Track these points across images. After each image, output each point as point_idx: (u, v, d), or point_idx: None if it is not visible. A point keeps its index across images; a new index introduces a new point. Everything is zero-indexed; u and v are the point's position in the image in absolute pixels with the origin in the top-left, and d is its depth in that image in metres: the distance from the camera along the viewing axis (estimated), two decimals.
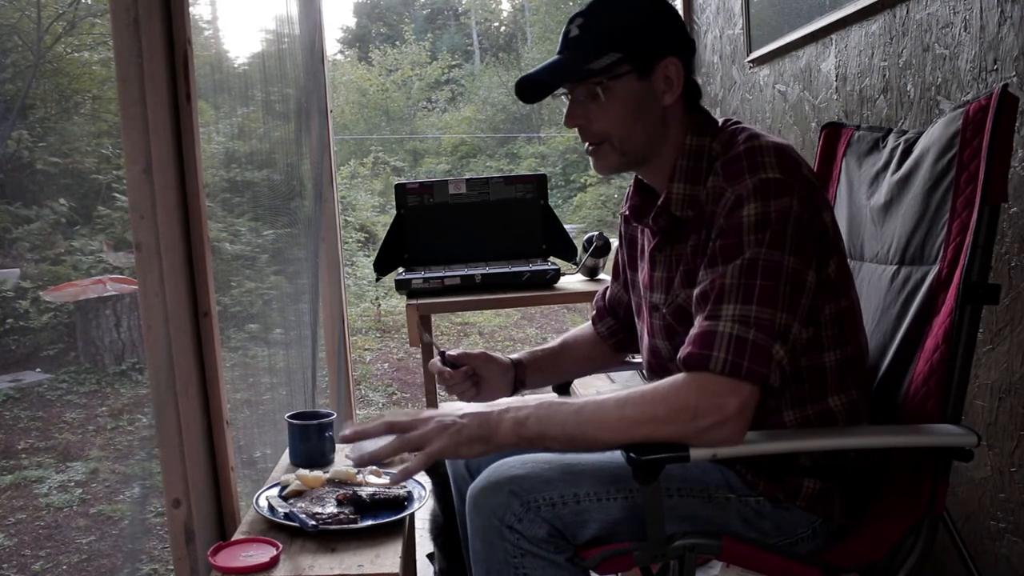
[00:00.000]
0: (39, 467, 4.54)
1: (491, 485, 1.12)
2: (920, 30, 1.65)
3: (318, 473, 1.57)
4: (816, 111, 2.12)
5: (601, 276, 2.42)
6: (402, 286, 2.26)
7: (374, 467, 1.63)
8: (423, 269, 2.37)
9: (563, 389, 1.67)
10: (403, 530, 1.43)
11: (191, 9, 1.48)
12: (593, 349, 1.56)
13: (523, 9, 18.75)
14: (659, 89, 1.20)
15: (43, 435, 5.02)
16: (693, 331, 1.08)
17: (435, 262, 2.45)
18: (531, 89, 1.25)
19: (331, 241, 2.76)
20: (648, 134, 1.21)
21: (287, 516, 1.42)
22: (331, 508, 1.44)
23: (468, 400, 1.43)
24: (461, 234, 2.49)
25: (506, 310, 7.66)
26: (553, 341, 1.59)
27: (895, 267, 1.30)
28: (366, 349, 6.98)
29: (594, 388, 2.02)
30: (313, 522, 1.37)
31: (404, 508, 1.46)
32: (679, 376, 1.06)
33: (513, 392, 1.48)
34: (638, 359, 1.45)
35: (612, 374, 2.12)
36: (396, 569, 1.27)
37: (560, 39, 1.23)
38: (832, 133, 1.55)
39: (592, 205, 11.83)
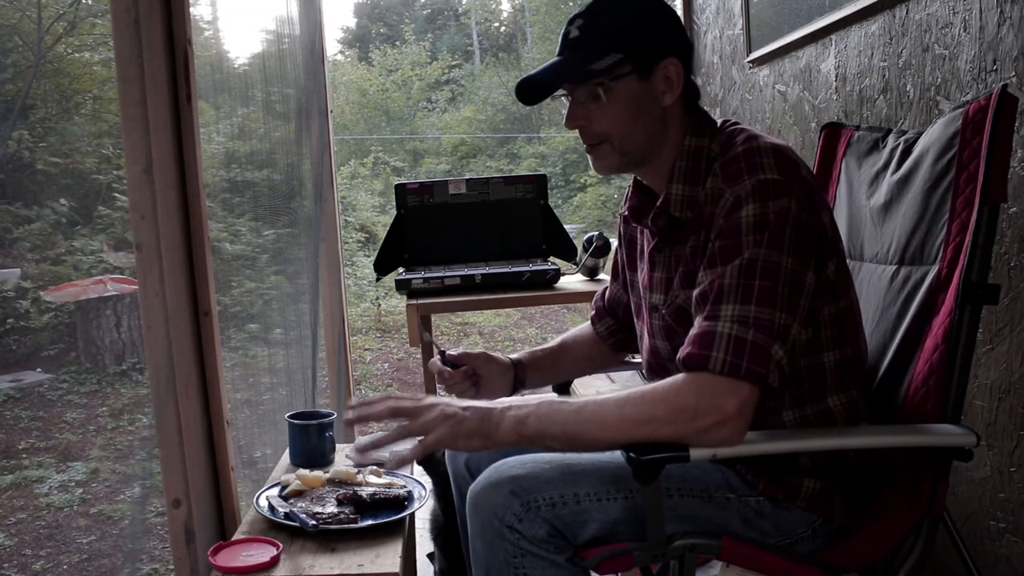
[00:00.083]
0: (40, 467, 4.54)
1: (491, 485, 1.12)
2: (920, 30, 1.65)
3: (318, 473, 1.57)
4: (816, 111, 2.12)
5: (601, 276, 2.42)
6: (402, 286, 2.26)
7: (374, 467, 1.63)
8: (423, 269, 2.37)
9: (563, 389, 1.68)
10: (403, 530, 1.43)
11: (191, 9, 1.48)
12: (592, 349, 1.56)
13: (523, 9, 18.74)
14: (659, 89, 1.20)
15: (44, 435, 5.02)
16: (692, 331, 1.09)
17: (435, 262, 2.45)
18: (531, 90, 1.26)
19: (331, 241, 2.76)
20: (648, 134, 1.21)
21: (287, 516, 1.42)
22: (331, 508, 1.44)
23: (468, 399, 1.44)
24: (461, 234, 2.49)
25: (506, 310, 7.66)
26: (552, 341, 1.59)
27: (895, 267, 1.30)
28: (366, 349, 6.98)
29: (594, 388, 2.02)
30: (313, 522, 1.37)
31: (404, 508, 1.46)
32: (679, 376, 1.06)
33: (512, 392, 1.48)
34: (637, 359, 1.45)
35: (612, 374, 2.12)
36: (396, 569, 1.27)
37: (559, 40, 1.23)
38: (832, 133, 1.55)
39: (592, 205, 11.83)
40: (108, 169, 7.33)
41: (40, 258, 6.86)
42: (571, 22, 1.22)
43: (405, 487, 1.52)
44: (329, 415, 1.77)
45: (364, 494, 1.46)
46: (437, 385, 1.59)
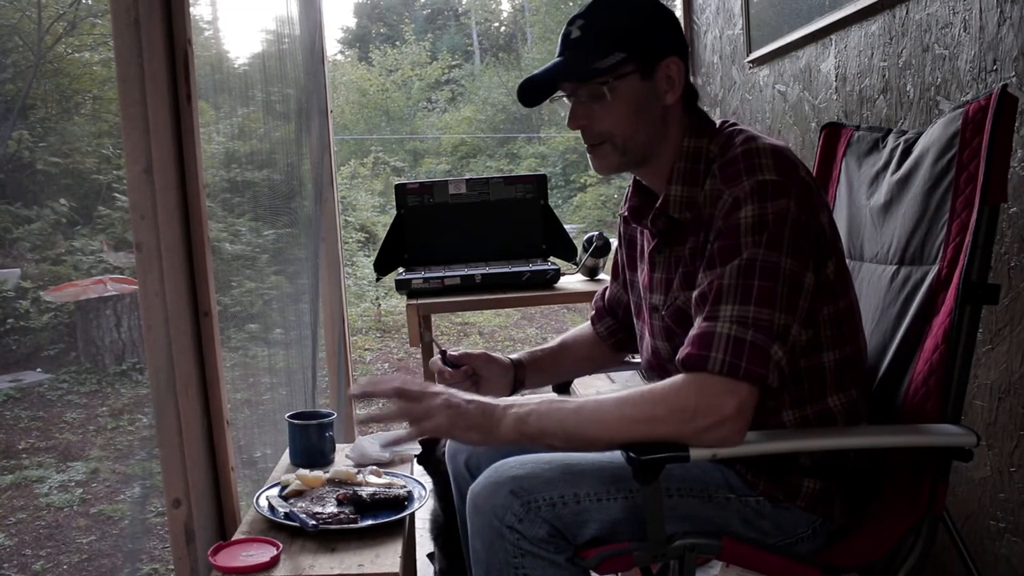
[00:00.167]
0: (40, 467, 4.54)
1: (491, 485, 1.12)
2: (920, 30, 1.65)
3: (318, 473, 1.57)
4: (816, 111, 2.12)
5: (601, 276, 2.42)
6: (402, 286, 2.26)
7: (374, 467, 1.63)
8: (423, 269, 2.37)
9: (563, 389, 1.68)
10: (403, 530, 1.43)
11: (191, 9, 1.48)
12: (592, 349, 1.56)
13: (523, 9, 18.74)
14: (661, 88, 1.20)
15: (43, 435, 5.02)
16: (692, 332, 1.09)
17: (435, 262, 2.45)
18: (532, 91, 1.25)
19: (331, 241, 2.76)
20: (650, 134, 1.21)
21: (287, 516, 1.42)
22: (331, 508, 1.44)
23: None
24: (461, 234, 2.49)
25: (506, 310, 7.66)
26: (552, 341, 1.59)
27: (895, 267, 1.30)
28: (366, 349, 6.98)
29: (594, 388, 2.02)
30: (313, 522, 1.37)
31: (404, 508, 1.46)
32: (678, 376, 1.07)
33: (512, 392, 1.48)
34: (637, 359, 1.45)
35: (612, 374, 2.12)
36: (396, 569, 1.27)
37: (560, 41, 1.23)
38: (832, 133, 1.55)
39: (592, 205, 11.82)
40: (108, 169, 7.33)
41: (40, 258, 6.86)
42: (571, 23, 1.22)
43: (405, 487, 1.52)
44: (329, 415, 1.77)
45: (364, 494, 1.46)
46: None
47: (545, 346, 1.56)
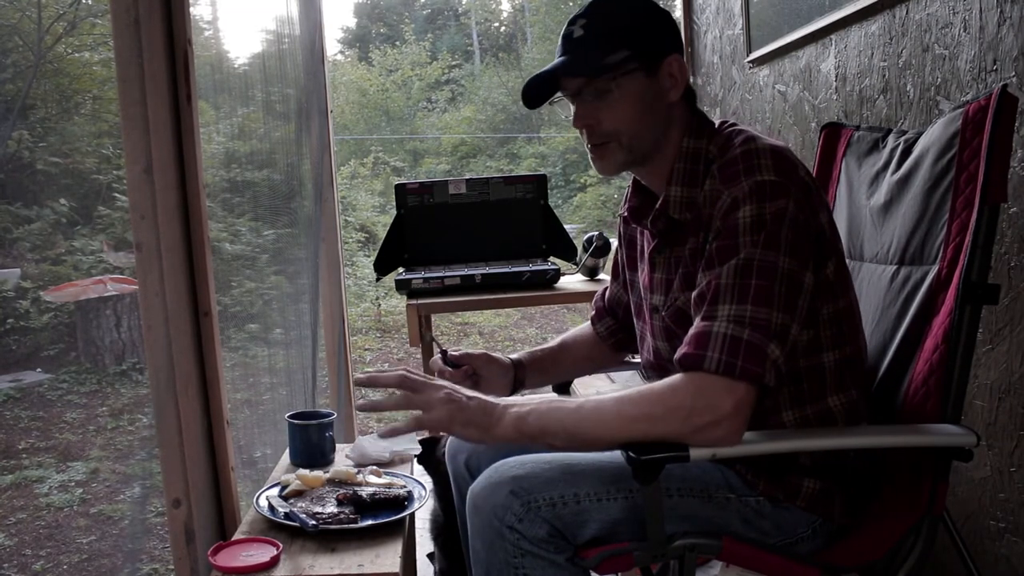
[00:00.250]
0: (39, 467, 4.54)
1: (491, 485, 1.12)
2: (920, 30, 1.65)
3: (318, 473, 1.57)
4: (816, 111, 2.12)
5: (601, 276, 2.42)
6: (402, 286, 2.26)
7: (374, 467, 1.63)
8: (423, 269, 2.37)
9: (563, 389, 1.68)
10: (403, 530, 1.43)
11: (191, 9, 1.48)
12: (592, 349, 1.56)
13: (523, 9, 18.74)
14: (665, 86, 1.21)
15: (43, 435, 5.02)
16: (690, 331, 1.09)
17: (435, 262, 2.45)
18: (536, 90, 1.25)
19: (331, 241, 2.76)
20: (655, 132, 1.21)
21: (287, 516, 1.42)
22: (331, 508, 1.44)
23: None
24: (461, 234, 2.49)
25: (506, 310, 7.66)
26: (552, 341, 1.59)
27: (895, 267, 1.30)
28: (366, 349, 6.98)
29: (594, 388, 2.02)
30: (313, 522, 1.37)
31: (404, 508, 1.46)
32: (676, 376, 1.07)
33: (512, 392, 1.48)
34: (637, 359, 1.45)
35: (612, 374, 2.12)
36: (396, 569, 1.27)
37: (561, 41, 1.23)
38: (832, 133, 1.55)
39: (592, 205, 11.83)
40: (108, 169, 7.33)
41: (40, 258, 6.86)
42: (572, 23, 1.22)
43: (405, 487, 1.52)
44: (329, 415, 1.77)
45: (364, 494, 1.46)
46: None
47: (545, 346, 1.56)
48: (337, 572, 1.27)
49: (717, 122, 1.25)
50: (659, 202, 1.23)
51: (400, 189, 2.50)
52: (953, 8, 1.54)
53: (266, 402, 2.28)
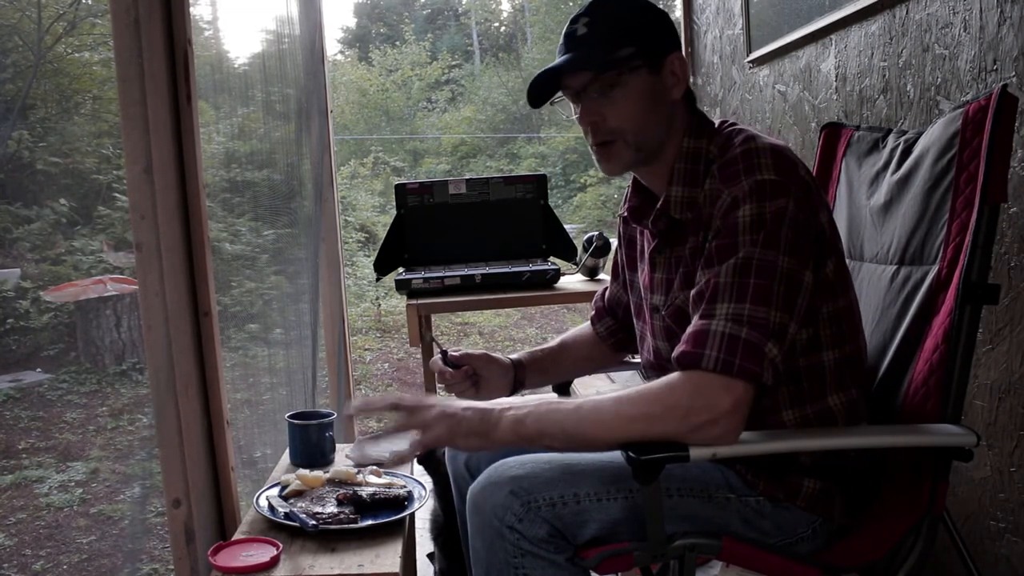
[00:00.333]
0: (39, 467, 4.54)
1: (491, 485, 1.12)
2: (920, 30, 1.65)
3: (318, 473, 1.57)
4: (816, 111, 2.12)
5: (601, 276, 2.42)
6: (402, 286, 2.26)
7: (374, 467, 1.63)
8: (423, 269, 2.37)
9: (563, 389, 1.68)
10: (403, 530, 1.43)
11: (191, 9, 1.48)
12: (592, 349, 1.56)
13: (523, 9, 18.74)
14: (668, 83, 1.21)
15: (43, 435, 5.02)
16: (688, 330, 1.09)
17: (435, 262, 2.45)
18: (541, 88, 1.25)
19: (331, 241, 2.76)
20: (660, 130, 1.21)
21: (287, 516, 1.42)
22: (331, 508, 1.44)
23: (467, 400, 1.44)
24: (461, 234, 2.49)
25: (506, 310, 7.66)
26: (552, 341, 1.59)
27: (895, 267, 1.30)
28: (366, 349, 6.98)
29: (594, 388, 2.02)
30: (313, 522, 1.37)
31: (404, 508, 1.46)
32: (673, 375, 1.07)
33: (512, 392, 1.48)
34: (637, 359, 1.45)
35: (612, 374, 2.12)
36: (396, 569, 1.27)
37: (563, 40, 1.22)
38: (832, 133, 1.55)
39: (592, 205, 11.83)
40: (108, 169, 7.33)
41: (40, 258, 6.86)
42: (575, 21, 1.21)
43: (405, 487, 1.52)
44: (329, 415, 1.77)
45: (364, 494, 1.46)
46: (437, 384, 1.59)
47: (545, 346, 1.56)
48: (337, 572, 1.27)
49: (717, 122, 1.25)
50: (660, 202, 1.23)
51: (400, 189, 2.50)
52: (953, 8, 1.54)
53: (266, 402, 2.28)
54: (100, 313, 6.12)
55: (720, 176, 1.13)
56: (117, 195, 7.02)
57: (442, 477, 1.56)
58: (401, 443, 1.13)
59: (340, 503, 1.46)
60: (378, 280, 2.59)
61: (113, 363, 6.08)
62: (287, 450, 1.77)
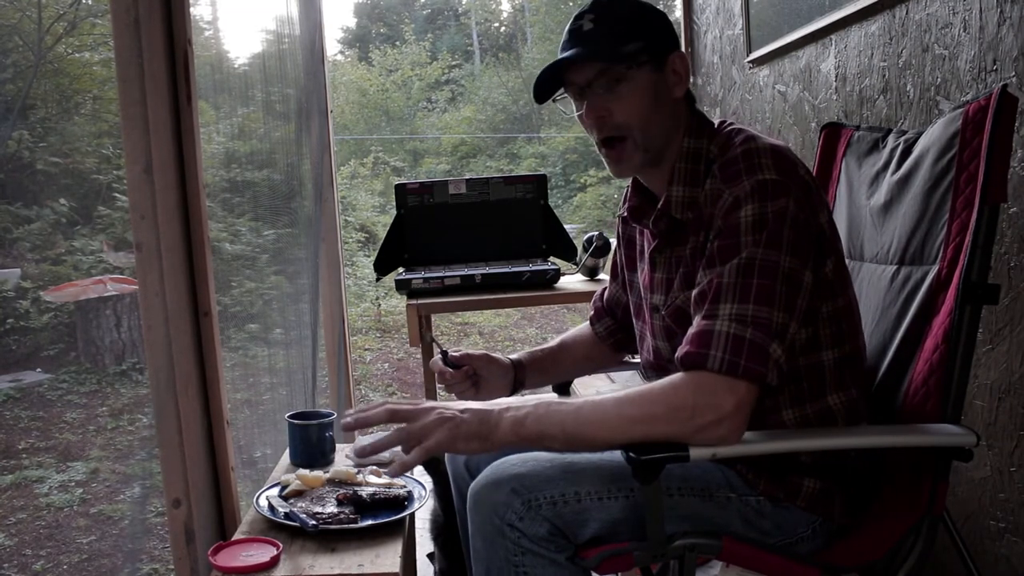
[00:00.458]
0: (39, 467, 4.54)
1: (492, 483, 1.12)
2: (920, 30, 1.65)
3: (318, 473, 1.57)
4: (816, 111, 2.12)
5: (601, 276, 2.42)
6: (402, 286, 2.26)
7: (374, 467, 1.63)
8: (423, 269, 2.37)
9: (563, 389, 1.68)
10: (403, 530, 1.43)
11: (191, 9, 1.48)
12: (591, 349, 1.56)
13: (523, 9, 18.74)
14: (671, 81, 1.21)
15: (43, 435, 5.02)
16: (691, 330, 1.09)
17: (435, 262, 2.45)
18: (546, 83, 1.24)
19: (331, 241, 2.76)
20: (665, 128, 1.21)
21: (287, 516, 1.42)
22: (331, 508, 1.44)
23: (467, 400, 1.43)
24: (461, 234, 2.49)
25: (506, 310, 7.66)
26: (552, 341, 1.59)
27: (895, 267, 1.30)
28: (366, 349, 6.98)
29: (594, 388, 2.02)
30: (313, 522, 1.37)
31: (404, 508, 1.46)
32: (677, 375, 1.07)
33: (512, 393, 1.48)
34: (637, 359, 1.45)
35: (612, 374, 2.12)
36: (396, 569, 1.27)
37: (567, 37, 1.22)
38: (832, 133, 1.55)
39: (592, 205, 11.83)
40: (108, 169, 7.33)
41: (40, 258, 6.86)
42: (579, 18, 1.21)
43: (405, 487, 1.52)
44: (329, 415, 1.77)
45: (364, 494, 1.46)
46: (437, 384, 1.59)
47: (545, 346, 1.56)
48: (337, 572, 1.27)
49: (716, 122, 1.25)
50: (661, 202, 1.23)
51: (400, 189, 2.50)
52: (953, 8, 1.54)
53: (266, 402, 2.28)
54: (100, 313, 6.12)
55: (721, 176, 1.13)
56: (117, 195, 7.03)
57: (442, 477, 1.56)
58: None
59: (340, 503, 1.46)
60: (378, 280, 2.59)
61: (113, 363, 6.08)
62: (287, 450, 1.77)
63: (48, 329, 6.45)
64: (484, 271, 2.28)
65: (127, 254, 6.52)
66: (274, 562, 1.30)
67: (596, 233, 2.41)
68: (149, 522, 3.57)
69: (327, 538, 1.37)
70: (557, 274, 2.28)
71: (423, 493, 1.52)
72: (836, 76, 2.00)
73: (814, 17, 2.04)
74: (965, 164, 1.18)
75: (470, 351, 1.45)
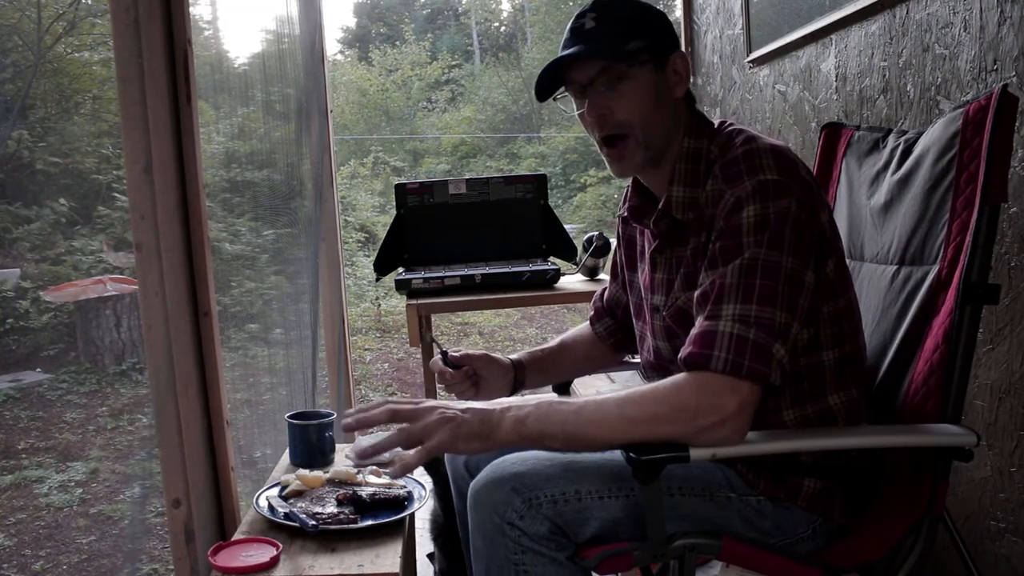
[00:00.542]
0: (39, 467, 4.54)
1: (493, 482, 1.12)
2: (920, 30, 1.65)
3: (318, 473, 1.57)
4: (816, 111, 2.12)
5: (601, 276, 2.42)
6: (402, 286, 2.26)
7: (374, 467, 1.63)
8: (423, 269, 2.37)
9: (563, 389, 1.67)
10: (403, 530, 1.43)
11: (191, 9, 1.48)
12: (591, 349, 1.56)
13: (523, 9, 18.74)
14: (672, 81, 1.21)
15: (43, 435, 5.02)
16: (694, 331, 1.09)
17: (435, 262, 2.45)
18: (548, 81, 1.24)
19: (331, 241, 2.76)
20: (666, 127, 1.21)
21: (287, 516, 1.42)
22: (331, 508, 1.44)
23: (467, 400, 1.43)
24: (461, 234, 2.49)
25: (506, 310, 7.66)
26: (552, 341, 1.59)
27: (895, 267, 1.30)
28: (366, 349, 6.98)
29: (594, 388, 2.02)
30: (313, 522, 1.37)
31: (404, 508, 1.46)
32: (680, 376, 1.07)
33: (512, 393, 1.48)
34: (637, 359, 1.45)
35: (612, 374, 2.12)
36: (396, 569, 1.27)
37: (569, 35, 1.22)
38: (832, 133, 1.55)
39: (592, 205, 11.83)
40: (108, 169, 7.33)
41: (40, 258, 6.86)
42: (580, 16, 1.21)
43: (405, 487, 1.52)
44: (329, 415, 1.77)
45: (364, 494, 1.46)
46: (437, 384, 1.59)
47: (545, 346, 1.56)
48: (337, 572, 1.27)
49: (716, 122, 1.25)
50: (661, 203, 1.23)
51: (400, 189, 2.50)
52: (953, 8, 1.54)
53: (266, 402, 2.28)
54: (100, 313, 6.12)
55: (722, 176, 1.13)
56: (117, 195, 7.02)
57: (442, 477, 1.56)
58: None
59: (340, 503, 1.46)
60: (378, 280, 2.59)
61: (113, 363, 6.09)
62: (287, 450, 1.77)
63: (48, 329, 6.45)
64: (484, 271, 2.28)
65: (127, 254, 6.52)
66: (274, 562, 1.30)
67: (596, 233, 2.41)
68: (149, 522, 3.57)
69: (327, 538, 1.37)
70: (557, 274, 2.28)
71: (423, 493, 1.52)
72: (836, 76, 2.00)
73: (814, 17, 2.04)
74: (965, 164, 1.18)
75: (470, 351, 1.44)
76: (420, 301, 2.16)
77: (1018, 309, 1.43)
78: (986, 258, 1.13)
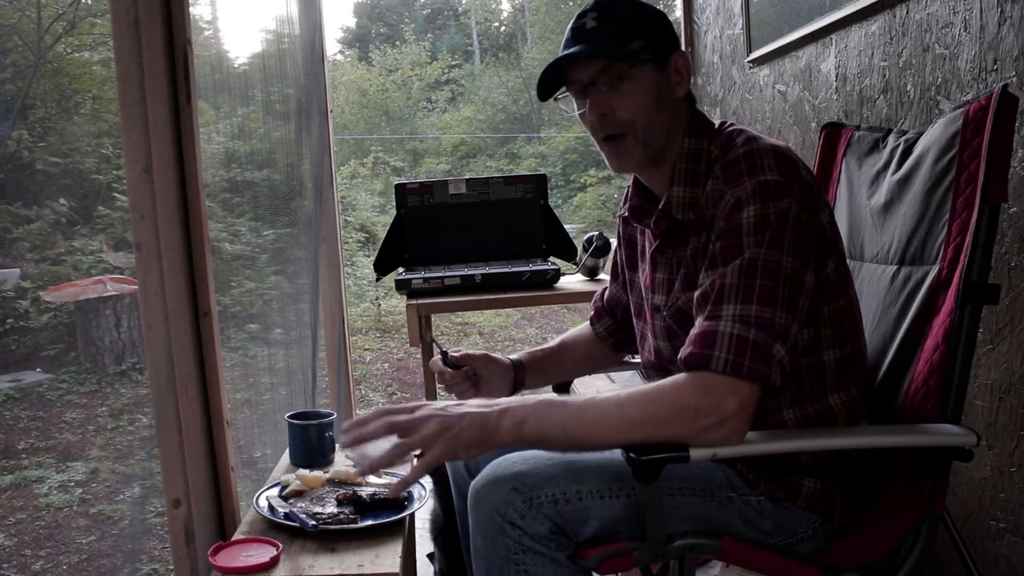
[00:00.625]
0: (39, 467, 4.54)
1: (493, 481, 1.12)
2: (920, 30, 1.65)
3: (318, 473, 1.57)
4: (816, 111, 2.12)
5: (601, 276, 2.42)
6: (402, 286, 2.26)
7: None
8: (423, 269, 2.37)
9: (563, 389, 1.67)
10: (403, 530, 1.43)
11: (191, 9, 1.48)
12: (592, 349, 1.56)
13: (523, 9, 18.74)
14: (673, 81, 1.21)
15: (43, 435, 5.03)
16: (694, 331, 1.09)
17: (435, 262, 2.45)
18: (550, 81, 1.24)
19: (331, 241, 2.76)
20: (667, 126, 1.21)
21: (287, 516, 1.42)
22: (331, 508, 1.44)
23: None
24: (461, 234, 2.49)
25: (506, 310, 7.66)
26: (552, 341, 1.59)
27: (895, 267, 1.30)
28: (366, 349, 6.98)
29: (594, 388, 2.02)
30: (313, 522, 1.37)
31: (404, 508, 1.46)
32: (680, 376, 1.06)
33: (512, 393, 1.47)
34: (637, 359, 1.45)
35: (612, 374, 2.12)
36: (396, 569, 1.27)
37: (570, 35, 1.22)
38: (832, 133, 1.55)
39: (592, 205, 11.83)
40: (108, 169, 7.33)
41: (40, 258, 6.86)
42: (582, 16, 1.21)
43: None
44: (329, 415, 1.77)
45: (364, 494, 1.46)
46: (437, 384, 1.59)
47: (545, 346, 1.56)
48: (337, 572, 1.27)
49: (717, 122, 1.25)
50: (662, 203, 1.23)
51: (400, 189, 2.50)
52: (953, 8, 1.54)
53: (266, 402, 2.28)
54: (100, 313, 6.13)
55: (723, 177, 1.13)
56: (117, 195, 7.03)
57: (442, 477, 1.56)
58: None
59: (340, 503, 1.46)
60: (378, 280, 2.59)
61: (113, 363, 6.09)
62: (287, 450, 1.77)
63: (48, 329, 6.45)
64: (484, 271, 2.28)
65: (127, 254, 6.52)
66: (274, 562, 1.30)
67: (596, 233, 2.41)
68: (149, 522, 3.57)
69: (327, 538, 1.37)
70: (557, 274, 2.28)
71: (423, 493, 1.52)
72: (836, 76, 2.00)
73: (814, 17, 2.04)
74: (965, 164, 1.18)
75: (470, 351, 1.44)
76: (420, 301, 2.16)
77: (1018, 309, 1.43)
78: (986, 258, 1.13)
